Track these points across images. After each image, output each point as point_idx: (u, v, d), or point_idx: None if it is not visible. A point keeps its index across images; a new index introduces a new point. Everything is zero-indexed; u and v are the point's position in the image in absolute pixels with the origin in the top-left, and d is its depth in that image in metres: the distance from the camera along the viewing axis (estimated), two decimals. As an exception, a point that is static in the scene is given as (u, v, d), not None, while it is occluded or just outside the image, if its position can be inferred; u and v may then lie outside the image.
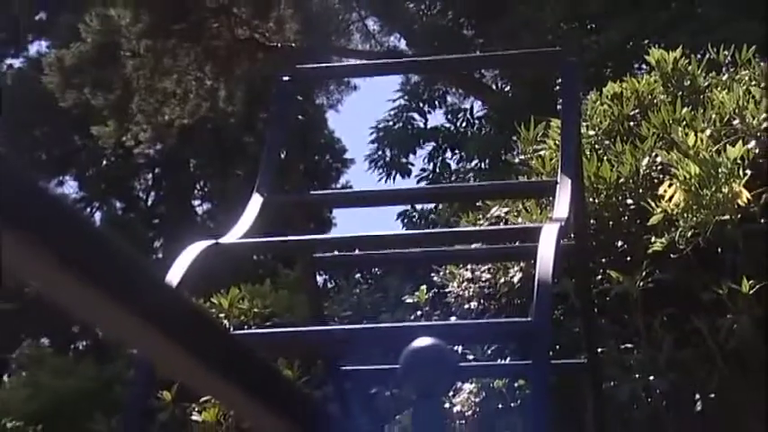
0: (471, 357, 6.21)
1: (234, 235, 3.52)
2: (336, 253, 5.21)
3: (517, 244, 4.49)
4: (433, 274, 7.28)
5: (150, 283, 0.89)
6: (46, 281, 0.77)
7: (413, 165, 18.23)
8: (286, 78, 4.28)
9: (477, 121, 19.06)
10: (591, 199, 5.62)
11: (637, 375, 5.91)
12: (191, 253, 3.23)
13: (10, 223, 0.68)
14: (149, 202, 28.97)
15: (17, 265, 0.73)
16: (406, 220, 16.84)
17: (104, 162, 27.48)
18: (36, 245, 0.71)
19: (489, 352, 6.35)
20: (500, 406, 6.45)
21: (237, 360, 1.03)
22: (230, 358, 1.01)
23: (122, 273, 0.81)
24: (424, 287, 7.34)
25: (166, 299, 0.90)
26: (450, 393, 6.08)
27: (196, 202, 29.04)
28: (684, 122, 6.21)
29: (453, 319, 6.87)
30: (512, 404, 6.43)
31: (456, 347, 5.58)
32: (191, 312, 0.93)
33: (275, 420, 1.20)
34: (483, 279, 6.67)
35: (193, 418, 8.16)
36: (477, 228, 6.02)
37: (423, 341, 1.51)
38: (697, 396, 5.99)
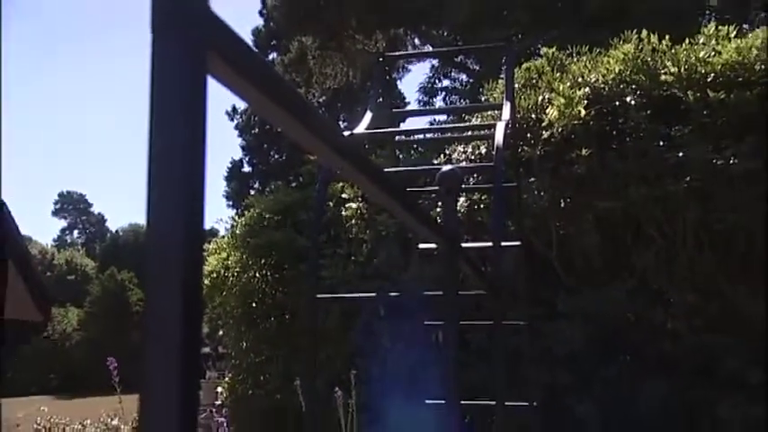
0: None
1: (358, 129, 3.49)
2: (404, 138, 5.15)
3: (484, 132, 4.39)
4: (446, 149, 7.16)
5: (334, 131, 0.86)
6: (288, 126, 0.73)
7: (435, 102, 18.07)
8: (381, 60, 4.17)
9: (464, 83, 18.73)
10: (516, 114, 5.47)
11: (536, 192, 5.84)
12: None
13: (272, 96, 0.65)
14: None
15: (269, 113, 0.69)
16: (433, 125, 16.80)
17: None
18: (281, 109, 0.67)
19: (472, 182, 6.28)
20: (476, 206, 6.39)
21: (379, 172, 0.99)
22: (376, 172, 0.97)
23: (319, 121, 0.78)
24: (442, 155, 7.23)
25: (346, 139, 0.87)
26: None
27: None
28: (557, 79, 6.00)
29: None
30: (481, 206, 6.39)
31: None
32: (354, 146, 0.91)
33: (416, 215, 1.12)
34: (468, 151, 6.57)
35: (342, 213, 8.22)
36: (466, 125, 5.89)
37: (447, 166, 1.49)
38: (566, 196, 5.90)
